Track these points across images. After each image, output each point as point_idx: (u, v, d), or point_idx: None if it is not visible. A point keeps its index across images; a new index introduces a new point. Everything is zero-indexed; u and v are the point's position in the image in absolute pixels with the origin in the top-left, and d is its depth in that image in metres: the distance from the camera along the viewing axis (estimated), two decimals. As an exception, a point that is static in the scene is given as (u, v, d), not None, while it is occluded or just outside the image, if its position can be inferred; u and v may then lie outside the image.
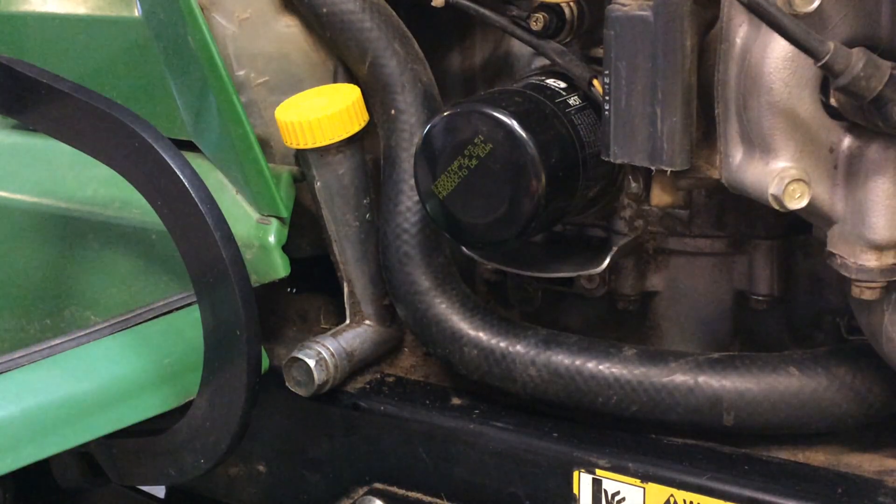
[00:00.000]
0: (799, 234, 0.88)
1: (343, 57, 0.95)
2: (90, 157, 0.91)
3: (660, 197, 0.87)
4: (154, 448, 1.08)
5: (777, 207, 0.70)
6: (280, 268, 0.97)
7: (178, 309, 0.98)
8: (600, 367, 0.89)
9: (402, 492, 0.99)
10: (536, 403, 0.92)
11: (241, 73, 0.95)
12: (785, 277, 0.91)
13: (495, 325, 0.93)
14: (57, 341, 0.93)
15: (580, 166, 0.84)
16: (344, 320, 1.00)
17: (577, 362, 0.89)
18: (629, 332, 0.97)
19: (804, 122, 0.71)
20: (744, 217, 0.89)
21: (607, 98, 0.78)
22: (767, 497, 0.83)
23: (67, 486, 1.25)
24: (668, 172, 0.78)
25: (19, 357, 0.92)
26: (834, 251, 0.74)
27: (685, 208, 0.89)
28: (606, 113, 0.78)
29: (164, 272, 1.04)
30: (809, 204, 0.70)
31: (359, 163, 0.95)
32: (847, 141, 0.71)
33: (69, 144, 0.92)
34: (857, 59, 0.65)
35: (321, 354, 0.95)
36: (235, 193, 0.99)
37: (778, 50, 0.70)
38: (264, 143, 0.96)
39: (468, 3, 0.88)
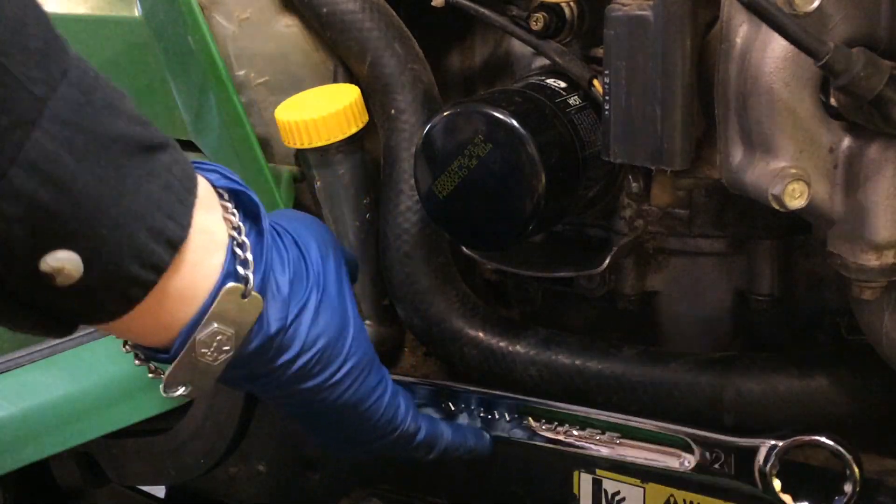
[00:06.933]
0: (799, 234, 0.88)
1: (343, 57, 0.95)
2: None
3: (660, 197, 0.87)
4: (154, 448, 1.08)
5: (777, 207, 0.70)
6: (280, 268, 0.97)
7: (178, 309, 0.98)
8: (600, 367, 0.89)
9: (402, 492, 0.99)
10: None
11: (241, 73, 0.95)
12: (785, 277, 0.91)
13: (495, 325, 0.93)
14: (57, 341, 0.93)
15: (580, 166, 0.84)
16: (344, 320, 1.00)
17: (578, 362, 0.89)
18: (629, 332, 0.97)
19: (804, 122, 0.70)
20: (744, 217, 0.88)
21: (607, 98, 0.78)
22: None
23: (67, 486, 1.25)
24: (668, 172, 0.78)
25: (19, 357, 0.92)
26: (834, 251, 0.74)
27: (685, 208, 0.89)
28: (606, 113, 0.78)
29: (164, 272, 1.04)
30: (809, 204, 0.70)
31: (359, 163, 0.95)
32: (847, 141, 0.71)
33: (69, 144, 0.92)
34: (857, 59, 0.65)
35: (321, 354, 0.95)
36: (235, 193, 0.99)
37: (778, 50, 0.70)
38: (264, 143, 0.96)
39: (468, 3, 0.88)
